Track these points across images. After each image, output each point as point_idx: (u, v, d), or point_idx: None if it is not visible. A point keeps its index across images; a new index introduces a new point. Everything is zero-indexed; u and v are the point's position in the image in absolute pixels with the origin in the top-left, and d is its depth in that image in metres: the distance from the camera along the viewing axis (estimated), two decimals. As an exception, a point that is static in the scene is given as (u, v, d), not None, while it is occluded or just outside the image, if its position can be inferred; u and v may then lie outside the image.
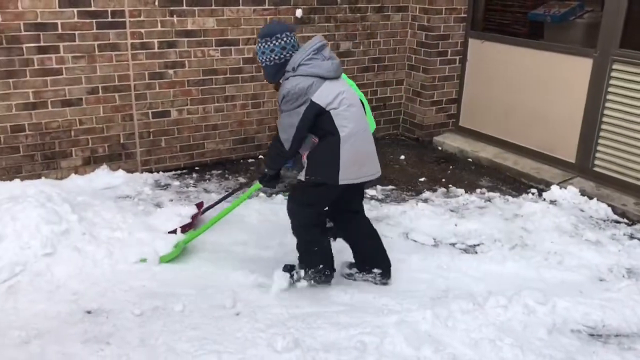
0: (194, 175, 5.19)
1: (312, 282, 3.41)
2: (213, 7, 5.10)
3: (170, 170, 5.23)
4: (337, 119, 3.09)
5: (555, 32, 5.49)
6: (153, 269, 3.52)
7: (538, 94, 5.41)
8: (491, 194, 4.95)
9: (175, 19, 4.94)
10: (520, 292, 3.34)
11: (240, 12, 5.24)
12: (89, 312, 3.13)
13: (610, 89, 4.82)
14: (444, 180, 5.28)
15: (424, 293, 3.44)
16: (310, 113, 3.07)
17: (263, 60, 3.19)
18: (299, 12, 5.50)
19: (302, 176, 3.22)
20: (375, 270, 3.53)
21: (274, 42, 3.14)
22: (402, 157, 5.85)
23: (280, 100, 3.13)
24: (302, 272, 3.42)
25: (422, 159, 5.84)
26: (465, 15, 5.98)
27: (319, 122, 3.10)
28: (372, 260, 3.54)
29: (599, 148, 5.00)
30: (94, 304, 3.19)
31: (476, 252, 3.99)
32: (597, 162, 5.03)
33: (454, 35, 6.02)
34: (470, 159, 5.82)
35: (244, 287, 3.38)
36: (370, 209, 4.56)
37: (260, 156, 5.69)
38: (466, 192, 4.99)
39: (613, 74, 4.79)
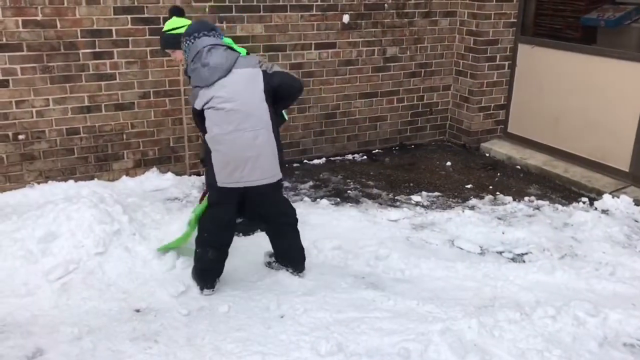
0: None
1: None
2: (262, 13, 5.18)
3: (217, 174, 5.32)
4: (207, 119, 3.11)
5: (610, 37, 5.33)
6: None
7: (590, 101, 5.27)
8: (540, 202, 4.84)
9: (224, 25, 5.03)
10: (569, 303, 3.26)
11: (288, 17, 5.30)
12: (137, 311, 3.22)
13: (667, 96, 4.66)
14: (491, 187, 5.19)
15: (469, 301, 3.39)
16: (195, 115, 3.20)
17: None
18: (346, 18, 5.52)
19: None
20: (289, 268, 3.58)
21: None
22: (449, 163, 5.79)
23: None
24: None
25: (468, 165, 5.76)
26: (515, 20, 5.88)
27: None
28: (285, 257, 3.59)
29: (656, 157, 4.84)
30: (143, 303, 3.28)
31: (524, 261, 3.90)
32: (655, 171, 4.87)
33: (503, 40, 5.93)
34: (518, 166, 5.71)
35: (289, 290, 3.40)
36: (415, 216, 4.54)
37: (305, 160, 5.74)
38: (514, 199, 4.89)
39: (671, 79, 4.63)
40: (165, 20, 4.18)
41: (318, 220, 4.30)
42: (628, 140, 4.99)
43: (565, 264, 3.83)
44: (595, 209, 4.68)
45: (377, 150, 6.13)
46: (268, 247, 3.64)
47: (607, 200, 4.72)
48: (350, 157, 5.95)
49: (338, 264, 3.75)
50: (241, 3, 5.07)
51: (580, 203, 4.82)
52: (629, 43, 5.21)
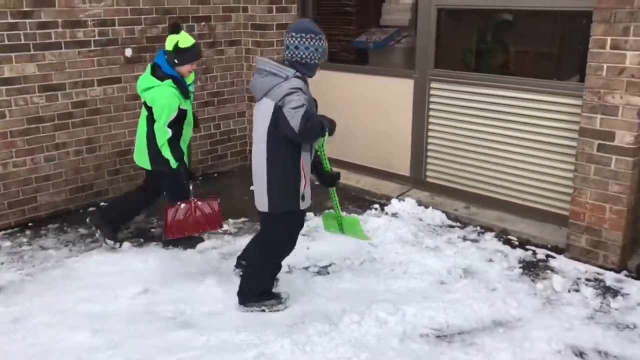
0: (28, 232, 4.78)
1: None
2: (32, 52, 4.79)
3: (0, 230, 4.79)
4: None
5: (379, 58, 5.89)
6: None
7: (371, 116, 5.75)
8: (339, 214, 5.14)
9: (-12, 66, 4.57)
10: (371, 306, 3.50)
11: (64, 55, 4.98)
12: None
13: (431, 106, 5.27)
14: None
15: (281, 322, 3.46)
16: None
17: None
18: (128, 52, 5.35)
19: None
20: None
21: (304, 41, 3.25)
22: (252, 188, 5.85)
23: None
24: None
25: (271, 187, 5.90)
26: (296, 45, 6.20)
27: None
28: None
29: (428, 160, 5.43)
30: None
31: (328, 273, 4.09)
32: (428, 173, 5.46)
33: (287, 65, 6.21)
34: (317, 183, 5.98)
35: (93, 347, 3.15)
36: (224, 244, 4.53)
37: (102, 203, 5.41)
38: (315, 215, 5.13)
39: (432, 92, 5.24)
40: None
41: (120, 266, 4.07)
42: (406, 148, 5.53)
43: (365, 269, 4.11)
44: (386, 213, 5.10)
45: (179, 183, 6.00)
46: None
47: (395, 205, 5.17)
48: (151, 193, 5.74)
49: (145, 309, 3.58)
50: (6, 42, 4.64)
51: (373, 210, 5.22)
52: (395, 62, 5.81)
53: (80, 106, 5.15)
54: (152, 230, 4.84)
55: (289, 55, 3.25)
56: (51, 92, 4.95)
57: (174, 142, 4.05)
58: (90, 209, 5.28)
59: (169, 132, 4.00)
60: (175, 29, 4.08)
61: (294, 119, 3.11)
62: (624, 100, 3.83)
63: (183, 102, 4.09)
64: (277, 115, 3.17)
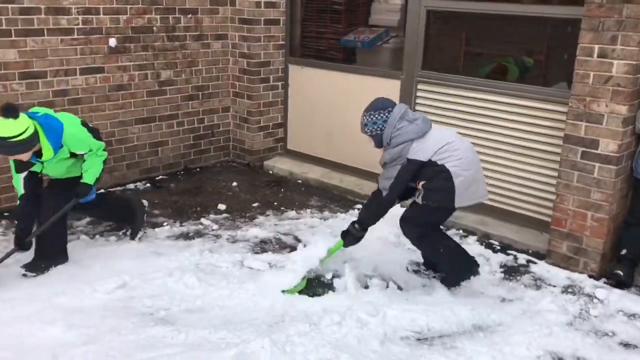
0: (3, 222, 4.68)
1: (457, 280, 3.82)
2: (13, 37, 4.69)
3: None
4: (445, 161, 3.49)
5: (366, 57, 5.87)
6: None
7: (356, 115, 5.68)
8: (321, 213, 5.12)
9: (-33, 51, 4.46)
10: (352, 306, 3.48)
11: (46, 42, 4.87)
12: None
13: (417, 108, 5.25)
14: (275, 203, 5.35)
15: (262, 320, 3.41)
16: (410, 167, 3.51)
17: (368, 130, 3.67)
18: (112, 41, 5.26)
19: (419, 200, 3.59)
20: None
21: (369, 117, 3.64)
22: (235, 183, 5.83)
23: (383, 164, 3.65)
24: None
25: (254, 184, 5.87)
26: (284, 42, 6.17)
27: (424, 170, 3.52)
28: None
29: (413, 162, 5.41)
30: None
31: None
32: (413, 175, 5.44)
33: (274, 61, 6.17)
34: (300, 181, 5.97)
35: (66, 342, 3.08)
36: (204, 241, 4.47)
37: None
38: (297, 213, 5.10)
39: (418, 93, 5.23)
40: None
41: (97, 260, 3.99)
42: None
43: (345, 267, 4.07)
44: (369, 214, 5.07)
45: (161, 177, 5.93)
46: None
47: (378, 205, 5.14)
48: (132, 186, 5.67)
49: (123, 304, 3.51)
50: (-14, 26, 4.53)
51: (356, 210, 5.18)
52: (382, 61, 5.79)
53: (61, 95, 5.05)
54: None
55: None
56: (32, 80, 4.85)
57: (26, 203, 3.84)
58: (69, 200, 5.18)
59: (21, 189, 3.82)
60: (6, 113, 3.41)
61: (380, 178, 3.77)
62: (609, 108, 3.85)
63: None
64: None
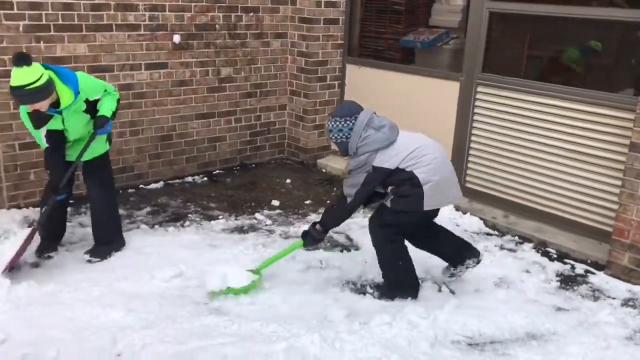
0: (69, 209, 4.88)
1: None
2: (84, 32, 4.89)
3: (42, 205, 4.89)
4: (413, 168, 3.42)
5: (426, 58, 5.82)
6: (19, 313, 3.25)
7: (413, 116, 5.67)
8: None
9: (42, 45, 4.67)
10: (403, 308, 3.47)
11: (114, 37, 5.07)
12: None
13: (476, 110, 5.18)
14: (328, 201, 5.37)
15: (312, 316, 3.44)
16: (377, 176, 3.43)
17: (332, 137, 3.56)
18: (176, 38, 5.41)
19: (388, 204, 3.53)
20: (468, 260, 3.78)
21: (335, 124, 3.50)
22: (288, 180, 5.90)
23: (349, 171, 3.57)
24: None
25: (307, 181, 5.92)
26: (342, 41, 6.19)
27: (392, 177, 3.44)
28: (459, 253, 3.81)
29: (469, 165, 5.34)
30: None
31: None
32: (468, 178, 5.37)
33: (332, 61, 6.21)
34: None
35: (125, 325, 3.20)
36: (258, 236, 4.55)
37: (141, 185, 5.50)
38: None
39: (478, 96, 5.15)
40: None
41: (156, 248, 4.13)
42: (446, 151, 5.43)
43: (398, 270, 4.06)
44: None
45: (217, 171, 6.06)
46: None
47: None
48: (190, 179, 5.82)
49: (179, 292, 3.62)
50: (60, 22, 4.74)
51: (410, 212, 5.16)
52: (442, 63, 5.73)
53: (127, 89, 5.23)
54: (189, 215, 4.89)
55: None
56: (99, 73, 5.03)
57: (52, 152, 3.80)
58: (130, 190, 5.37)
59: (44, 143, 3.76)
60: (19, 60, 3.41)
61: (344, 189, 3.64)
62: (679, 116, 3.70)
63: (53, 124, 3.69)
64: None
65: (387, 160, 3.41)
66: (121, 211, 4.83)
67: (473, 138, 5.26)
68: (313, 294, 3.71)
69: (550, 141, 4.75)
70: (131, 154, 5.42)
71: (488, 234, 4.78)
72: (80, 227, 4.54)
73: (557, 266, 4.26)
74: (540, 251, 4.49)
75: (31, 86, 3.38)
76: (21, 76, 3.37)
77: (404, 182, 3.42)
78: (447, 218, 4.96)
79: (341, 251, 4.33)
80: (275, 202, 5.25)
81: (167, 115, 5.58)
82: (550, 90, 4.69)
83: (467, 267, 3.80)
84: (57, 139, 3.76)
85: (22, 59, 3.39)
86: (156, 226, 4.63)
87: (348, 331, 3.24)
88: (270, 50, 6.16)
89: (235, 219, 4.87)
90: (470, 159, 5.33)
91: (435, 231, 3.83)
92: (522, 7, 4.85)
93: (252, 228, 4.71)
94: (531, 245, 4.58)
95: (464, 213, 5.03)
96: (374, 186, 3.49)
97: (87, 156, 3.93)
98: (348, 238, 4.59)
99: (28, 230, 3.82)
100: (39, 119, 3.60)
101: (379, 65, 5.96)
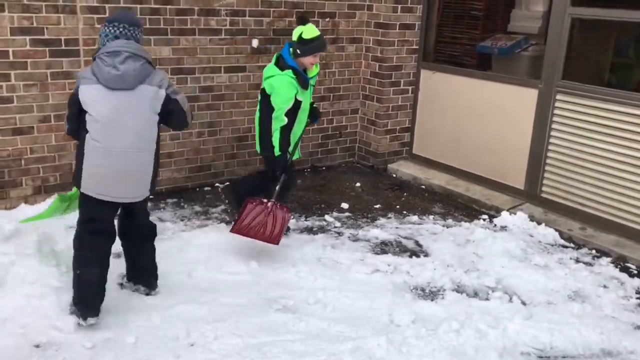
0: (149, 204, 5.13)
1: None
2: (169, 36, 5.13)
3: (125, 199, 5.16)
4: (89, 123, 3.09)
5: (503, 64, 5.72)
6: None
7: (488, 123, 5.60)
8: (444, 220, 5.07)
9: (130, 47, 4.93)
10: (472, 316, 3.43)
11: (197, 41, 5.28)
12: (37, 346, 3.05)
13: (554, 119, 5.04)
14: (398, 206, 5.37)
15: (379, 319, 3.47)
16: (75, 97, 3.11)
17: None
18: (255, 42, 5.57)
19: None
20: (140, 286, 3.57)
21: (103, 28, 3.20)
22: (358, 184, 5.93)
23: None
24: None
25: (377, 186, 5.94)
26: (417, 47, 6.17)
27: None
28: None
29: (546, 175, 5.20)
30: (43, 337, 3.11)
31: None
32: (544, 188, 5.22)
33: (406, 66, 6.20)
34: (423, 186, 5.95)
35: (198, 317, 3.34)
36: (328, 237, 4.61)
37: (217, 184, 5.69)
38: (419, 218, 5.09)
39: (557, 104, 5.01)
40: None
41: (229, 245, 4.27)
42: (522, 160, 5.34)
43: (468, 279, 4.01)
44: (495, 225, 4.95)
45: (289, 173, 6.17)
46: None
47: (505, 217, 5.00)
48: (262, 180, 5.96)
49: (249, 288, 3.73)
50: (148, 26, 4.99)
51: (481, 220, 5.09)
52: (520, 70, 5.61)
53: (207, 91, 5.44)
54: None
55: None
56: (182, 76, 5.27)
57: (285, 131, 4.14)
58: (206, 188, 5.57)
59: (285, 120, 4.07)
60: (302, 21, 4.17)
61: (185, 112, 3.33)
62: None
63: (300, 93, 4.16)
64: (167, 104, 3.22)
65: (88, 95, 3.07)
66: (196, 208, 5.04)
67: (551, 147, 5.12)
68: (381, 297, 3.72)
69: (631, 152, 4.56)
70: (208, 153, 5.62)
71: (563, 246, 4.64)
72: (159, 222, 4.74)
73: (638, 282, 4.07)
74: (619, 266, 4.31)
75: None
76: (313, 29, 4.11)
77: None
78: (521, 228, 4.86)
79: (410, 257, 4.32)
80: (345, 205, 5.30)
81: (244, 117, 5.75)
82: (634, 99, 4.50)
83: (136, 290, 3.58)
84: (294, 112, 4.16)
85: (306, 19, 4.20)
86: (230, 223, 4.77)
87: (415, 336, 3.24)
88: (345, 54, 6.22)
89: (305, 220, 4.96)
90: (547, 168, 5.18)
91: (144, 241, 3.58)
92: (607, 13, 4.68)
93: (322, 229, 4.78)
94: (609, 259, 4.41)
95: (539, 224, 4.90)
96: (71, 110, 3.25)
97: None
98: (418, 244, 4.57)
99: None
100: (304, 81, 4.15)
101: (454, 71, 5.90)
